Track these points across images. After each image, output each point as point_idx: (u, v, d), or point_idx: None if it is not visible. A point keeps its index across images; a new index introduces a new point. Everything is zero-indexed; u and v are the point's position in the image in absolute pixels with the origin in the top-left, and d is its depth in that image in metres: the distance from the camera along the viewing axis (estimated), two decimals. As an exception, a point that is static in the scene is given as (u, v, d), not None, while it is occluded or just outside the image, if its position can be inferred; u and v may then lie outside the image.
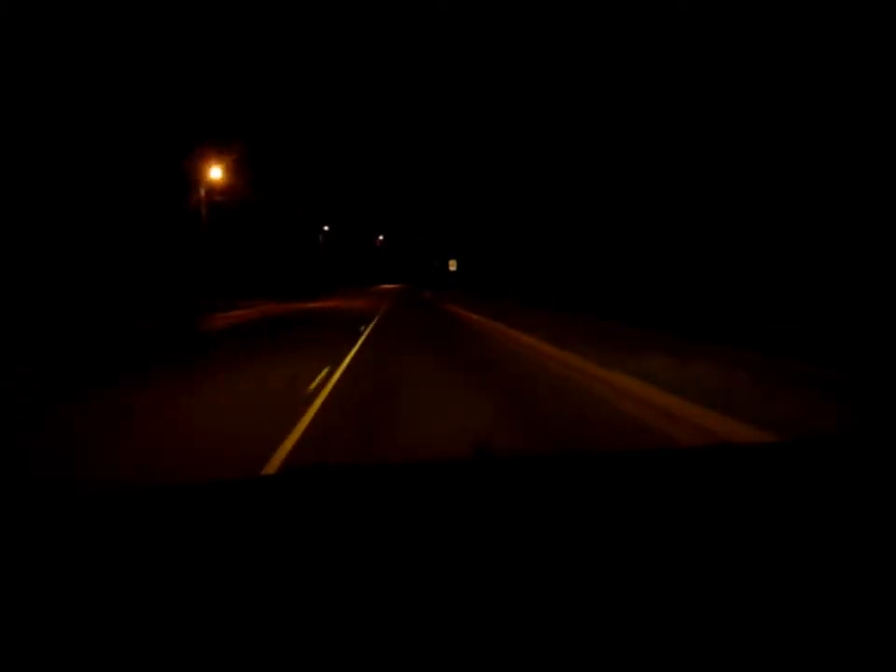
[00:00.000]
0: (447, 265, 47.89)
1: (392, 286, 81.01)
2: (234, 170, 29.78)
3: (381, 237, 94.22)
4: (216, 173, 24.33)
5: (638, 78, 17.53)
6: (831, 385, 6.12)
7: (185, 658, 0.67)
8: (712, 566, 0.87)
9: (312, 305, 28.42)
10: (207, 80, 31.66)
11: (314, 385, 6.92)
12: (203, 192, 23.82)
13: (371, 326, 16.16)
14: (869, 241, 9.88)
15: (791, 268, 11.38)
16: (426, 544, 0.96)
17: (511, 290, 29.68)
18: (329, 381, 7.23)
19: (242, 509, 1.16)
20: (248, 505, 1.18)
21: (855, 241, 10.14)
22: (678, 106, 15.64)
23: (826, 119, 10.92)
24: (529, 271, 30.24)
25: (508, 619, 0.74)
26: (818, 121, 11.09)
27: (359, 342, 11.77)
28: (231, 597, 0.80)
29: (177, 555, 0.92)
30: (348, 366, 8.56)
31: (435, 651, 0.68)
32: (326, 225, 60.49)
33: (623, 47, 18.24)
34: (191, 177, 24.38)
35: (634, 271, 18.56)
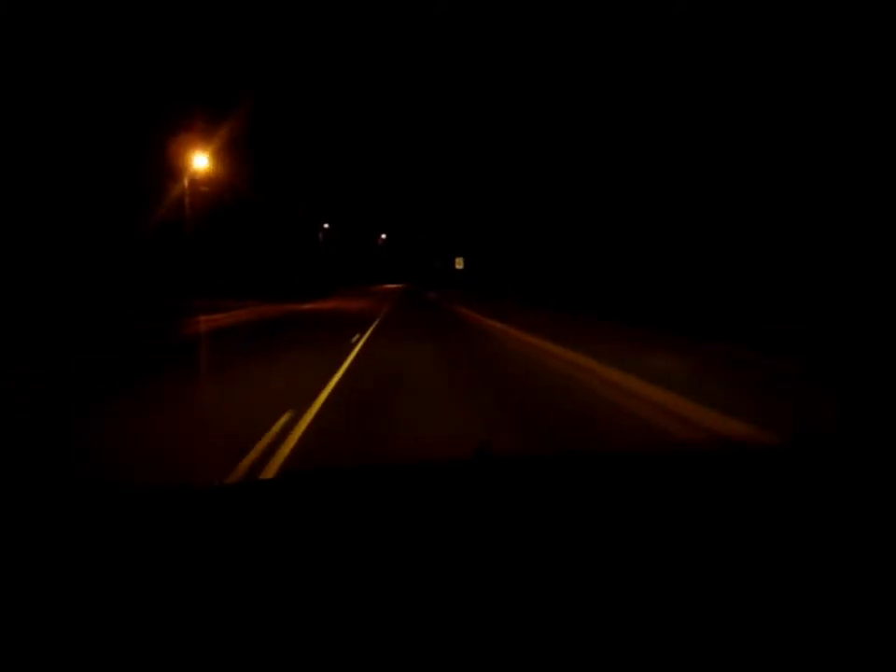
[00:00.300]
0: (450, 264, 45.83)
1: (394, 285, 79.29)
2: (229, 163, 28.02)
3: (383, 236, 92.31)
4: (201, 161, 22.17)
5: (639, 78, 17.55)
6: (830, 384, 6.11)
7: (182, 659, 0.67)
8: (711, 568, 0.86)
9: (307, 307, 26.53)
10: (207, 78, 29.92)
11: (257, 450, 4.47)
12: (186, 183, 21.69)
13: (367, 333, 14.37)
14: (868, 242, 9.89)
15: (791, 268, 11.50)
16: (427, 548, 0.95)
17: (512, 290, 29.88)
18: (287, 437, 4.83)
19: (241, 512, 1.15)
20: (248, 508, 1.17)
21: (854, 242, 10.15)
22: (678, 107, 15.66)
23: (826, 118, 10.97)
24: (534, 270, 30.22)
25: (507, 621, 0.73)
26: (817, 121, 11.14)
27: (349, 357, 9.87)
28: (229, 600, 0.79)
29: (175, 559, 0.92)
30: (323, 406, 6.02)
31: (435, 654, 0.67)
32: (326, 223, 58.88)
33: (623, 47, 18.28)
34: (175, 166, 22.31)
35: (634, 271, 18.57)
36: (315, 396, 6.51)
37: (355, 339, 12.66)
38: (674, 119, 15.85)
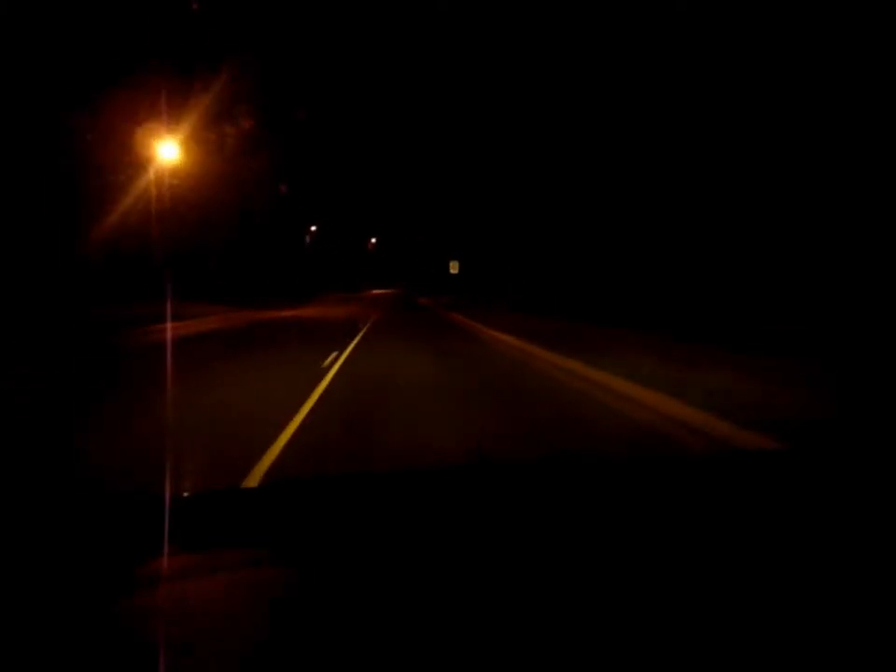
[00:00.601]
0: (447, 267, 43.17)
1: (385, 290, 76.59)
2: (209, 157, 25.35)
3: (373, 240, 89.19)
4: (170, 152, 19.36)
5: (638, 79, 17.53)
6: (830, 384, 6.07)
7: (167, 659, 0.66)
8: (711, 571, 0.86)
9: (285, 314, 23.81)
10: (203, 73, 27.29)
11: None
12: (152, 174, 18.83)
13: (347, 350, 11.39)
14: (868, 242, 9.98)
15: (791, 269, 11.58)
16: (428, 554, 0.93)
17: (512, 292, 29.70)
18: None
19: (226, 520, 1.13)
20: (231, 517, 1.14)
21: (854, 243, 10.22)
22: (677, 107, 15.62)
23: (825, 119, 10.96)
24: (537, 273, 30.06)
25: (510, 632, 0.72)
26: (817, 122, 11.14)
27: (316, 392, 6.93)
28: (216, 603, 0.79)
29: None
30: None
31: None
32: (314, 225, 56.34)
33: (623, 47, 18.26)
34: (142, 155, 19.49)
35: (642, 277, 18.39)
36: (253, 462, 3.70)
37: (329, 361, 9.64)
38: (674, 119, 15.84)
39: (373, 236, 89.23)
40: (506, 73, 29.17)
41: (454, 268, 42.00)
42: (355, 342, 13.26)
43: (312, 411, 5.94)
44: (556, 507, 1.17)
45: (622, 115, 18.74)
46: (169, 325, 16.36)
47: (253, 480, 3.77)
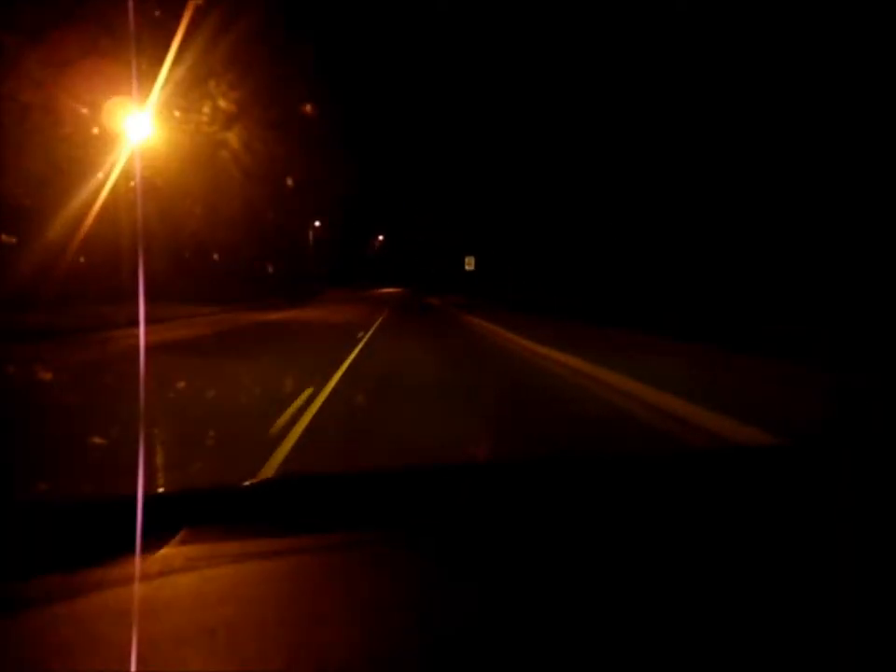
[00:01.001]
0: (455, 266, 42.94)
1: (393, 289, 76.40)
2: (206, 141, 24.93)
3: (380, 237, 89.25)
4: (142, 128, 16.81)
5: (640, 80, 17.83)
6: (830, 383, 6.12)
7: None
8: (710, 570, 0.88)
9: (279, 316, 23.65)
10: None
11: None
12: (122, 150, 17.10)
13: (333, 380, 8.16)
14: (867, 243, 10.25)
15: (790, 270, 11.83)
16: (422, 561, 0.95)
17: (511, 290, 30.09)
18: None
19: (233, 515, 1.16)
20: (235, 512, 1.18)
21: (854, 244, 10.44)
22: (678, 108, 15.86)
23: (825, 120, 11.10)
24: (544, 274, 30.73)
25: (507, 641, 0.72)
26: (817, 123, 11.28)
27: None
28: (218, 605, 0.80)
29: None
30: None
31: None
32: (318, 220, 56.42)
33: (624, 47, 18.59)
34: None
35: (644, 277, 18.27)
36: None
37: (296, 407, 6.07)
38: (674, 120, 16.13)
39: (380, 233, 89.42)
40: (507, 75, 30.61)
41: (469, 264, 40.68)
42: (348, 361, 10.08)
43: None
44: (558, 503, 1.21)
45: (623, 116, 19.25)
46: (156, 326, 14.43)
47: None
